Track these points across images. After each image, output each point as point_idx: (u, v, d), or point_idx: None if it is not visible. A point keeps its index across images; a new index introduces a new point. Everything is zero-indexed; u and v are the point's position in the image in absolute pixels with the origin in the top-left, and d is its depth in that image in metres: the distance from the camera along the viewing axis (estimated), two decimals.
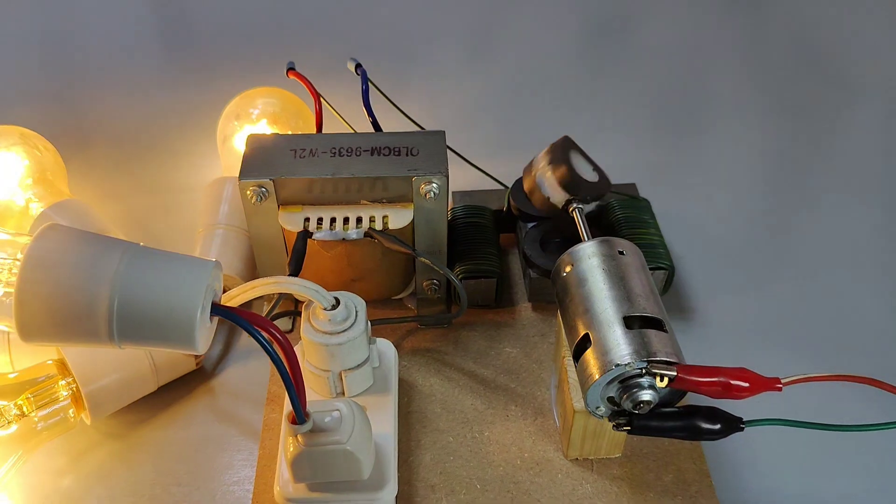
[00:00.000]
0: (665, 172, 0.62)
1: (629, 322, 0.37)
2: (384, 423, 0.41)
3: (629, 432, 0.37)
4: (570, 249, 0.41)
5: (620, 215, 0.52)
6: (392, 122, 0.51)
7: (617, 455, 0.43)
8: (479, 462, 0.43)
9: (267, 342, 0.33)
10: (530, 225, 0.51)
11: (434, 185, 0.44)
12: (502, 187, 0.56)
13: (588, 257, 0.40)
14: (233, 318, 0.33)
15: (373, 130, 0.49)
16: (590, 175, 0.47)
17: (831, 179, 0.62)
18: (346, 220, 0.45)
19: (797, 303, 0.52)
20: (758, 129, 0.67)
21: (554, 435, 0.44)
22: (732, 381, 0.35)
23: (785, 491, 0.42)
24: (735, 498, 0.42)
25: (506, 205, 0.53)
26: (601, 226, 0.53)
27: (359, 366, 0.41)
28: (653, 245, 0.50)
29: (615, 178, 0.56)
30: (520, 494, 0.41)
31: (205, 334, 0.33)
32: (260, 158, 0.45)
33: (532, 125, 0.68)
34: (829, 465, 0.44)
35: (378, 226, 0.44)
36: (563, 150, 0.48)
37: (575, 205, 0.46)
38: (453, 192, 0.55)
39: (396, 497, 0.41)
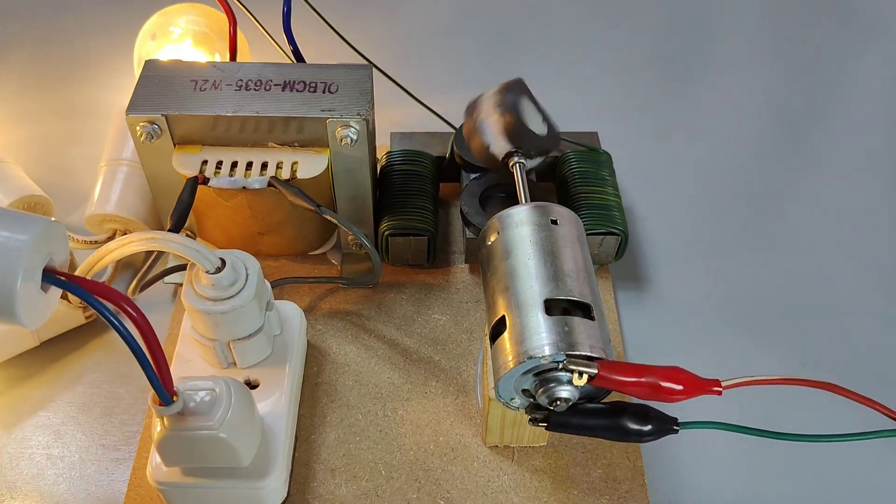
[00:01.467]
0: (636, 122, 0.56)
1: (552, 306, 0.32)
2: (278, 400, 0.37)
3: (546, 428, 0.33)
4: (498, 214, 0.36)
5: (576, 169, 0.47)
6: (339, 55, 0.45)
7: (542, 444, 0.38)
8: (387, 444, 0.39)
9: (115, 317, 0.28)
10: (473, 176, 0.46)
11: (352, 129, 0.39)
12: (451, 129, 0.51)
13: (517, 225, 0.35)
14: (71, 289, 0.28)
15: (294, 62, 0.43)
16: (538, 127, 0.42)
17: (828, 145, 0.56)
18: (248, 166, 0.39)
19: (766, 281, 0.47)
20: (751, 76, 0.61)
21: (475, 417, 0.40)
22: (663, 383, 0.31)
23: (725, 496, 0.38)
24: (669, 500, 0.38)
25: (449, 151, 0.48)
26: (554, 179, 0.48)
27: (250, 336, 0.36)
28: (607, 207, 0.44)
29: (576, 125, 0.50)
30: (428, 483, 0.37)
31: (38, 306, 0.28)
32: (154, 90, 0.39)
33: (492, 60, 0.61)
34: (774, 470, 0.39)
35: (285, 174, 0.39)
36: (512, 94, 0.42)
37: (516, 159, 0.41)
38: (392, 133, 0.49)
39: (291, 481, 0.37)
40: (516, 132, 0.41)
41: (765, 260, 0.48)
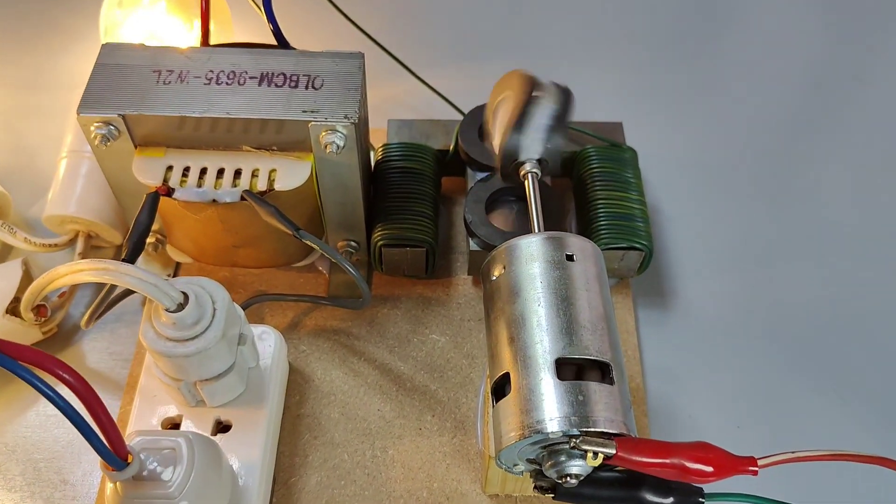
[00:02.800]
0: (664, 109, 0.51)
1: (565, 368, 0.28)
2: (253, 445, 0.33)
3: (554, 498, 0.29)
4: (505, 244, 0.31)
5: (596, 169, 0.41)
6: (331, 26, 0.39)
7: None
8: (375, 490, 0.35)
9: (49, 388, 0.24)
10: (479, 178, 0.41)
11: (338, 134, 0.34)
12: (458, 115, 0.46)
13: (526, 260, 0.30)
14: None
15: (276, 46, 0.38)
16: (541, 121, 0.36)
17: (883, 136, 0.50)
18: (220, 173, 0.35)
19: (807, 295, 0.43)
20: (797, 54, 0.55)
21: (475, 460, 0.36)
22: (690, 465, 0.27)
23: None
24: None
25: (453, 144, 0.43)
26: (571, 176, 0.43)
27: (219, 376, 0.32)
28: (630, 216, 0.40)
29: (598, 114, 0.45)
30: None
31: None
32: (110, 82, 0.35)
33: (505, 35, 0.55)
34: None
35: (261, 184, 0.34)
36: (529, 87, 0.36)
37: (528, 168, 0.36)
38: (389, 122, 0.44)
39: None
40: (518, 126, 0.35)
41: (806, 270, 0.43)
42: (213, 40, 0.44)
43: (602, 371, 0.28)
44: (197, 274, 0.41)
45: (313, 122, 0.34)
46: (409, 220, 0.39)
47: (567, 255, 0.31)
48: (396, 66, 0.46)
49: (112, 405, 0.38)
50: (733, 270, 0.43)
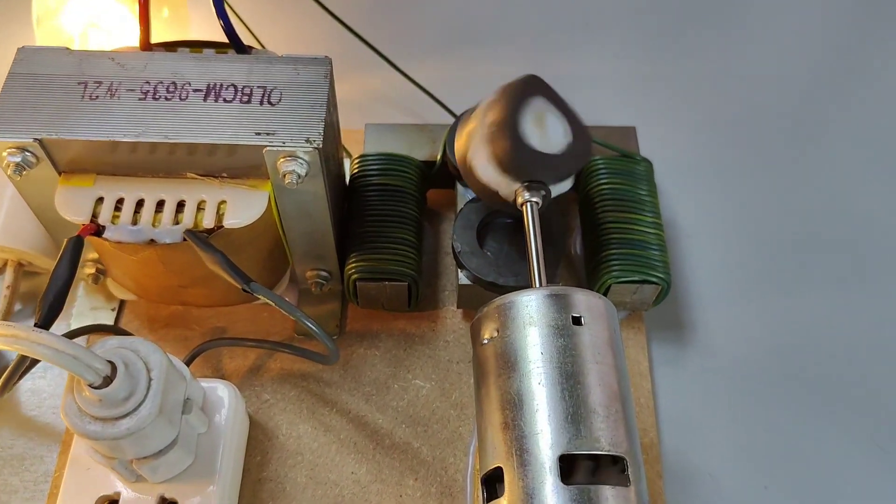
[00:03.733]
0: (682, 111, 0.45)
1: (571, 468, 0.23)
2: None
3: None
4: (499, 301, 0.26)
5: (605, 186, 0.36)
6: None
7: None
8: None
9: None
10: (469, 198, 0.36)
11: (299, 161, 0.28)
12: (449, 116, 0.40)
13: (524, 324, 0.25)
14: None
15: (227, 49, 0.32)
16: (558, 140, 0.31)
17: None
18: (159, 205, 0.29)
19: (845, 329, 0.38)
20: (830, 48, 0.49)
21: None
22: None
23: None
24: None
25: (440, 153, 0.37)
26: (577, 190, 0.38)
27: (160, 453, 0.28)
28: (644, 244, 0.34)
29: (607, 118, 0.40)
30: None
31: None
32: (25, 97, 0.29)
33: (503, 25, 0.49)
34: None
35: (208, 219, 0.29)
36: (513, 105, 0.31)
37: (526, 196, 0.30)
38: (367, 126, 0.39)
39: None
40: (515, 161, 0.30)
41: (844, 299, 0.38)
42: (166, 32, 0.39)
43: (615, 466, 0.24)
44: (145, 312, 0.36)
45: (269, 148, 0.28)
46: (389, 248, 0.34)
47: (573, 317, 0.26)
48: (376, 58, 0.40)
49: (46, 468, 0.33)
50: (760, 298, 0.38)
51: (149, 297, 0.35)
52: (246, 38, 0.33)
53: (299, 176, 0.28)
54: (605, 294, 0.35)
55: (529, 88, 0.31)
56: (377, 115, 0.42)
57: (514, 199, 0.31)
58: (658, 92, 0.45)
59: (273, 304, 0.28)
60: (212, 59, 0.30)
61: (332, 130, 0.31)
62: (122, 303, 0.36)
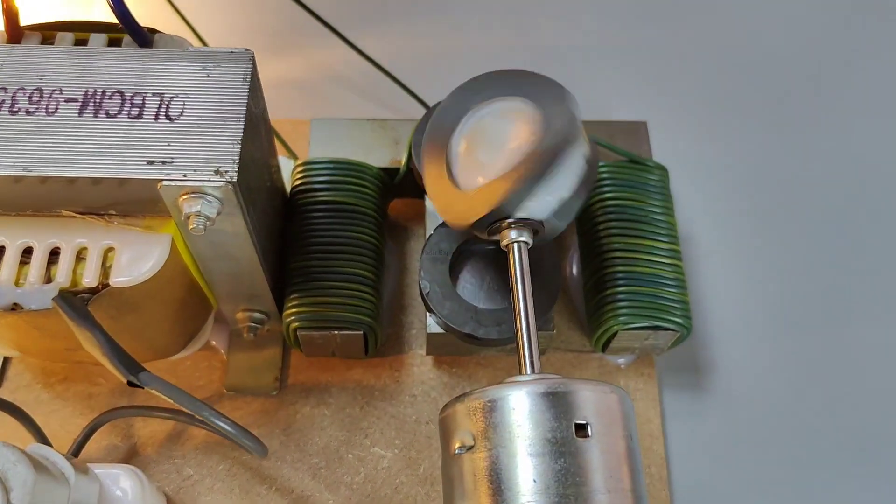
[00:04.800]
0: (701, 105, 0.38)
1: None
2: None
3: None
4: (475, 397, 0.20)
5: (610, 202, 0.29)
6: None
7: None
8: None
9: None
10: (441, 220, 0.29)
11: (206, 200, 0.21)
12: (419, 108, 0.33)
13: (512, 436, 0.19)
14: None
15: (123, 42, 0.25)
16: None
17: None
18: (26, 254, 0.22)
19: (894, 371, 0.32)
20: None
21: None
22: None
23: None
24: None
25: (405, 159, 0.30)
26: (579, 225, 0.31)
27: None
28: (658, 279, 0.28)
29: (615, 110, 0.33)
30: None
31: None
32: None
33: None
34: None
35: (90, 275, 0.22)
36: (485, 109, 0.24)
37: (513, 236, 0.24)
38: (313, 122, 0.31)
39: None
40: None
41: (892, 332, 0.32)
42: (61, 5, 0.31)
43: None
44: (38, 363, 0.29)
45: (165, 183, 0.21)
46: (338, 288, 0.27)
47: (578, 424, 0.19)
48: (325, 32, 0.33)
49: None
50: (796, 332, 0.32)
51: (33, 357, 0.28)
52: (157, 15, 0.25)
53: (208, 219, 0.21)
54: (609, 341, 0.28)
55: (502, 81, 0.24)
56: (327, 106, 0.34)
57: (497, 237, 0.24)
58: (673, 78, 0.38)
59: (170, 400, 0.21)
60: (93, 54, 0.23)
61: (257, 139, 0.24)
62: (4, 362, 0.29)
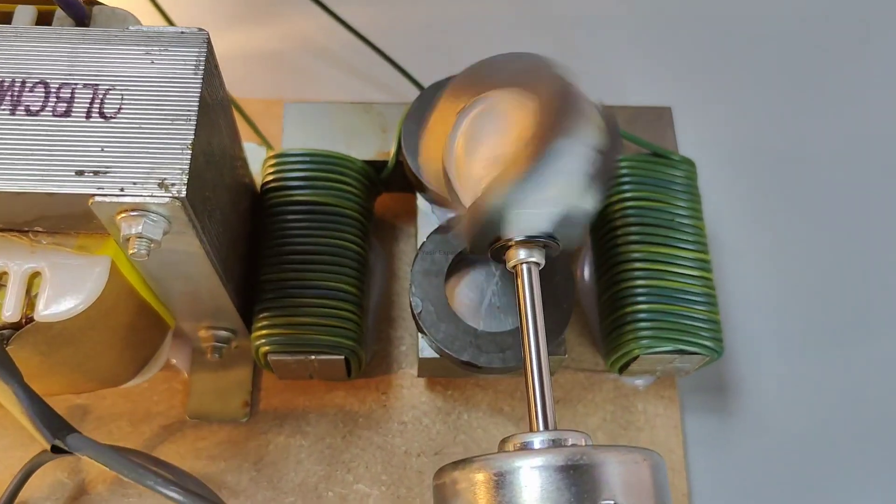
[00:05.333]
0: (731, 86, 0.34)
1: None
2: None
3: None
4: (477, 466, 0.16)
5: (630, 206, 0.25)
6: None
7: None
8: None
9: None
10: (436, 216, 0.25)
11: (150, 220, 0.17)
12: (411, 90, 0.29)
13: None
14: None
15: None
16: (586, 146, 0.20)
17: None
18: None
19: None
20: None
21: None
22: None
23: None
24: None
25: (394, 150, 0.26)
26: (592, 229, 0.27)
27: None
28: (687, 294, 0.24)
29: (632, 95, 0.29)
30: None
31: None
32: None
33: None
34: None
35: (10, 308, 0.18)
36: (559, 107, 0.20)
37: (522, 256, 0.20)
38: (286, 106, 0.27)
39: None
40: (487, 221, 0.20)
41: None
42: None
43: None
44: None
45: (98, 199, 0.17)
46: (316, 306, 0.24)
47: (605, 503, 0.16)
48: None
49: None
50: (835, 347, 0.28)
51: None
52: None
53: (152, 241, 0.18)
54: (628, 365, 0.25)
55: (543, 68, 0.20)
56: (304, 85, 0.30)
57: (502, 256, 0.20)
58: (701, 56, 0.34)
59: (109, 469, 0.18)
60: (11, 34, 0.19)
61: (215, 134, 0.20)
62: None
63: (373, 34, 0.29)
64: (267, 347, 0.23)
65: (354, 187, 0.26)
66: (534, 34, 0.32)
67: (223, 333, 0.25)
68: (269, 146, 0.28)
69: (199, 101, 0.18)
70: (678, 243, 0.25)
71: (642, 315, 0.24)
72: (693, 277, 0.25)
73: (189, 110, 0.18)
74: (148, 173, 0.17)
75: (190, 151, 0.18)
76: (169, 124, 0.18)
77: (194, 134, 0.18)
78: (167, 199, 0.17)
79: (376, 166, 0.26)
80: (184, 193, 0.17)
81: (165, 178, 0.17)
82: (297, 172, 0.25)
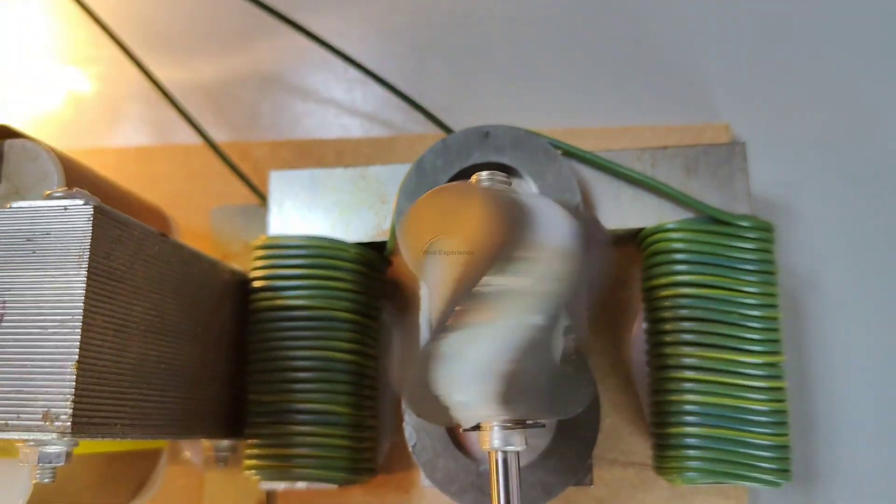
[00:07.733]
0: (804, 91, 0.26)
1: None
2: None
3: None
4: None
5: (684, 294, 0.20)
6: None
7: None
8: None
9: None
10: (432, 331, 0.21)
11: (45, 451, 0.15)
12: (432, 130, 0.25)
13: None
14: None
15: None
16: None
17: None
18: None
19: None
20: None
21: None
22: None
23: None
24: None
25: (392, 234, 0.22)
26: (643, 294, 0.22)
27: None
28: (749, 415, 0.20)
29: (679, 110, 0.23)
30: None
31: None
32: None
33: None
34: None
35: None
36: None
37: (498, 443, 0.16)
38: (272, 175, 0.24)
39: None
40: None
41: None
42: None
43: None
44: None
45: None
46: (305, 434, 0.21)
47: None
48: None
49: None
50: None
51: None
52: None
53: (55, 465, 0.16)
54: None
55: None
56: (294, 125, 0.26)
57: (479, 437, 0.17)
58: (762, 61, 0.26)
59: None
60: None
61: (136, 301, 0.17)
62: None
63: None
64: (258, 478, 0.21)
65: (348, 281, 0.22)
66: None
67: (224, 454, 0.23)
68: (262, 201, 0.25)
69: (83, 305, 0.15)
70: (743, 344, 0.20)
71: (691, 441, 0.20)
72: (759, 391, 0.20)
73: (74, 315, 0.15)
74: (28, 404, 0.15)
75: (74, 378, 0.15)
76: (54, 333, 0.15)
77: (79, 349, 0.15)
78: (53, 435, 0.15)
79: (376, 247, 0.23)
80: (69, 426, 0.15)
81: (50, 409, 0.15)
82: (285, 269, 0.22)
